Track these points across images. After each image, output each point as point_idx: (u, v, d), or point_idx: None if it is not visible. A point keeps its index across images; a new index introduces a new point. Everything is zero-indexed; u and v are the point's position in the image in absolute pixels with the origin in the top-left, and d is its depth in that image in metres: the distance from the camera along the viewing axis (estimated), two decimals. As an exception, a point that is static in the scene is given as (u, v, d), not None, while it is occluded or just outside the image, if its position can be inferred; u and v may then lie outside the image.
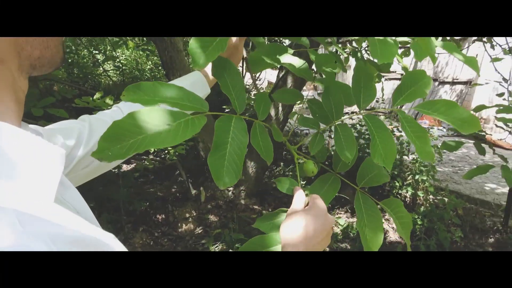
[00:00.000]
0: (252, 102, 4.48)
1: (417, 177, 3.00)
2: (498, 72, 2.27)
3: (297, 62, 0.87)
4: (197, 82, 0.80)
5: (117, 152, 0.41)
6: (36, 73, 0.38)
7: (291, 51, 0.89)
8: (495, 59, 1.98)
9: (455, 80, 7.11)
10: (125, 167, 3.77)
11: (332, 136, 0.80)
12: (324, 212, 0.58)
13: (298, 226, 0.55)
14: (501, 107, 1.57)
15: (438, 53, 3.97)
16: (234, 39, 0.79)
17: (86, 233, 0.29)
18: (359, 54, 1.22)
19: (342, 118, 0.80)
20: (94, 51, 5.40)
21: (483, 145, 1.77)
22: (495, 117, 1.69)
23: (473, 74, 6.74)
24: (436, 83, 7.54)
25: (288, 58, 0.87)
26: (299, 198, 0.62)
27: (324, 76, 0.90)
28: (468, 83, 6.71)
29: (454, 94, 7.06)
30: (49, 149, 0.32)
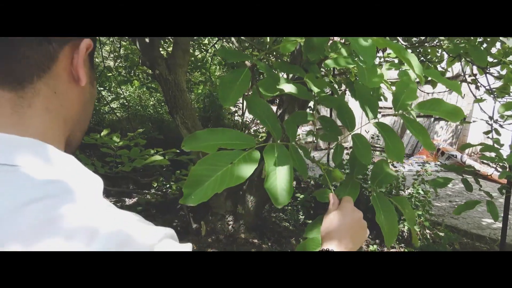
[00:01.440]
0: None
1: (412, 211, 3.06)
2: (484, 111, 2.40)
3: (295, 89, 1.00)
4: None
5: (199, 194, 0.50)
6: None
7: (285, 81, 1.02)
8: (477, 100, 2.11)
9: (450, 116, 7.28)
10: (128, 201, 3.84)
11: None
12: (351, 209, 0.70)
13: (332, 223, 0.67)
14: (483, 146, 1.68)
15: (432, 92, 4.08)
16: None
17: None
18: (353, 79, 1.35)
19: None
20: (99, 88, 5.60)
21: (469, 180, 1.86)
22: (481, 154, 1.80)
23: (466, 111, 6.92)
24: (432, 119, 7.70)
25: (287, 87, 1.01)
26: (333, 201, 0.74)
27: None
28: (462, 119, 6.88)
29: (450, 129, 7.21)
30: (95, 176, 0.42)
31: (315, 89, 1.01)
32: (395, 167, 3.82)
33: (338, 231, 0.66)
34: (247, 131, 4.96)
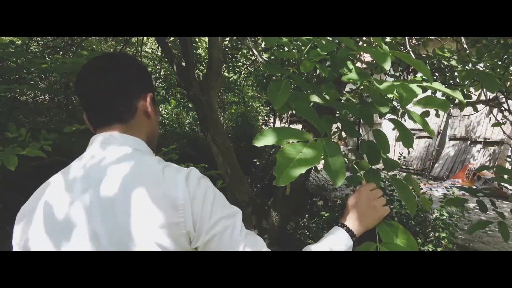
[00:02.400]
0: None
1: (436, 234, 3.06)
2: (507, 135, 2.42)
3: (319, 99, 1.17)
4: None
5: (285, 176, 0.68)
6: None
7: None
8: (495, 124, 2.15)
9: (487, 140, 7.08)
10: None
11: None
12: (364, 191, 0.88)
13: (348, 203, 0.88)
14: (495, 168, 1.74)
15: (470, 114, 4.05)
16: None
17: None
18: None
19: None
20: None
21: (485, 202, 1.91)
22: (494, 176, 1.85)
23: (503, 135, 6.70)
24: (468, 142, 7.51)
25: (315, 98, 1.17)
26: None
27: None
28: (500, 143, 6.66)
29: (487, 153, 7.00)
30: None
31: (328, 98, 1.17)
32: (421, 188, 3.82)
33: (351, 208, 0.86)
34: (274, 149, 5.12)
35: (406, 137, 0.98)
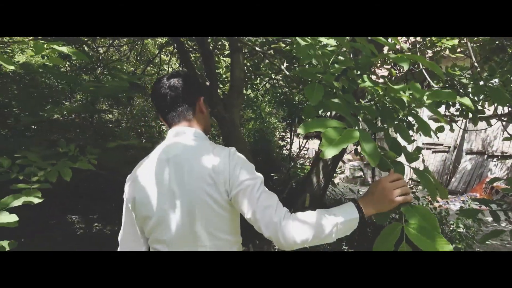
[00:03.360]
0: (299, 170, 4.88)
1: (453, 245, 3.12)
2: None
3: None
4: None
5: (332, 149, 0.82)
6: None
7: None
8: (506, 138, 2.25)
9: (504, 154, 7.05)
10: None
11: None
12: (383, 179, 0.98)
13: (369, 187, 1.02)
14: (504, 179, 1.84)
15: (486, 128, 4.11)
16: None
17: None
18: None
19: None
20: (161, 123, 6.20)
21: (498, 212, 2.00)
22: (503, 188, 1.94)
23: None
24: (485, 156, 7.49)
25: (336, 100, 1.29)
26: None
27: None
28: (517, 157, 6.64)
29: (504, 167, 6.97)
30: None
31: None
32: (437, 201, 3.88)
33: (368, 192, 0.99)
34: (292, 163, 5.24)
35: (423, 127, 1.10)
